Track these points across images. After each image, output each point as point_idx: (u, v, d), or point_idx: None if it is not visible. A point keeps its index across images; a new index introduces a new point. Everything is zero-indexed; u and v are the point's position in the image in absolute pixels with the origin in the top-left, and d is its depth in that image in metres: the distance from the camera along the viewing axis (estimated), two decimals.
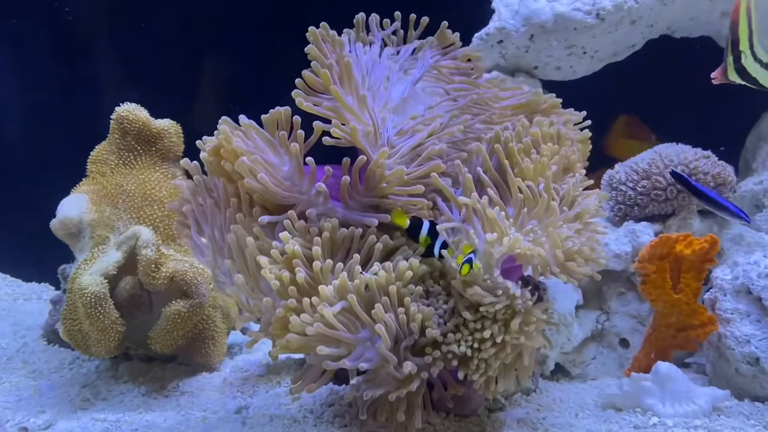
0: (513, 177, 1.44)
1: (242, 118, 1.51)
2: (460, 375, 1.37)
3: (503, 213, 1.39)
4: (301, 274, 1.30)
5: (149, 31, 2.85)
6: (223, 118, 1.53)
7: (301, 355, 1.99)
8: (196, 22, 2.86)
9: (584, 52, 2.18)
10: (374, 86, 1.55)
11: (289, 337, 1.28)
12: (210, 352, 1.91)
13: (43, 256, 2.82)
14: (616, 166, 2.05)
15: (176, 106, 2.83)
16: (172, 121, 2.18)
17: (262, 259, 1.33)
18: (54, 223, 2.04)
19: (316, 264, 1.31)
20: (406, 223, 1.40)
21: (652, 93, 2.47)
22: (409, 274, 1.32)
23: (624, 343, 1.98)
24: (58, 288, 2.76)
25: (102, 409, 1.76)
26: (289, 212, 1.42)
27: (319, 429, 1.54)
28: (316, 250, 1.33)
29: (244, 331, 2.18)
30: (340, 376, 1.58)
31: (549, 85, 2.25)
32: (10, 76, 2.88)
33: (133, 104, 2.14)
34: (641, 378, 1.64)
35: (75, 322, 1.83)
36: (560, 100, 1.69)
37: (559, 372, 1.98)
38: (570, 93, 1.79)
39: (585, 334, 1.94)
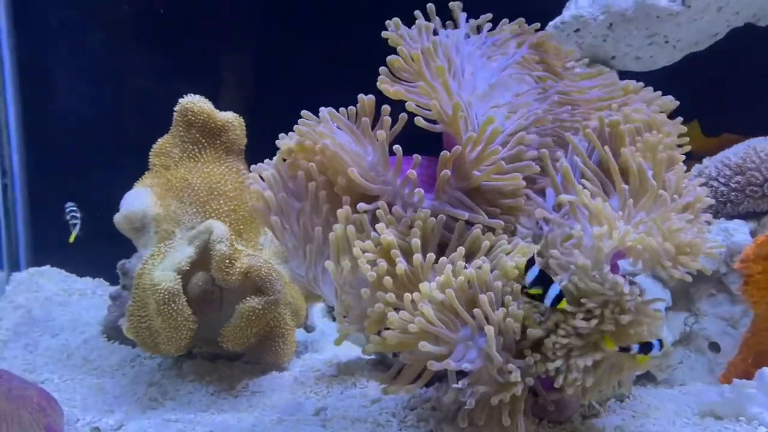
0: (616, 166, 1.35)
1: (323, 109, 1.45)
2: (557, 381, 1.28)
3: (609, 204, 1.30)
4: (402, 265, 1.22)
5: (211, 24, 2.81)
6: (304, 112, 1.46)
7: (373, 356, 1.91)
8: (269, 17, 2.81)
9: (666, 41, 2.07)
10: (459, 73, 1.47)
11: (387, 333, 1.20)
12: (280, 351, 1.84)
13: (97, 252, 2.80)
14: (704, 160, 1.94)
15: (235, 102, 2.80)
16: (235, 114, 2.12)
17: (357, 250, 1.26)
18: (118, 218, 1.99)
19: (417, 257, 1.23)
20: None
21: (732, 84, 2.35)
22: (515, 272, 1.24)
23: (714, 347, 1.86)
24: (114, 284, 2.72)
25: (172, 409, 1.70)
26: (379, 202, 1.35)
27: None
28: (415, 242, 1.25)
29: (307, 329, 2.11)
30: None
31: (626, 76, 2.14)
32: (67, 71, 2.86)
33: (197, 96, 2.08)
34: (745, 385, 1.53)
35: (143, 319, 1.77)
36: (658, 93, 1.60)
37: (644, 377, 1.87)
38: (648, 84, 1.69)
39: (674, 337, 1.83)
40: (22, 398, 1.49)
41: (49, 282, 2.68)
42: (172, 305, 1.63)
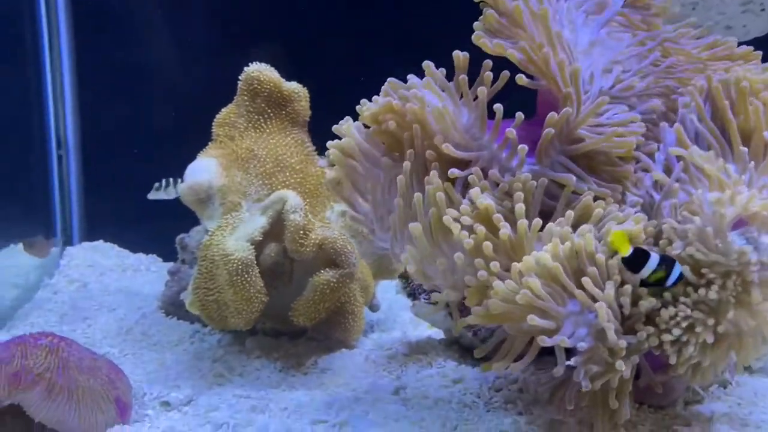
0: (735, 126, 1.24)
1: (411, 76, 1.36)
2: (672, 358, 1.18)
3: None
4: (506, 230, 1.13)
5: None
6: (390, 79, 1.37)
7: (441, 335, 1.83)
8: None
9: (762, 9, 1.94)
10: (560, 29, 1.36)
11: (492, 303, 1.11)
12: (350, 328, 1.76)
13: (149, 228, 2.75)
14: None
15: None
16: (299, 85, 2.05)
17: (448, 217, 1.16)
18: (183, 188, 1.93)
19: (522, 223, 1.14)
20: (627, 249, 1.14)
21: None
22: (641, 234, 1.13)
23: None
24: (168, 260, 2.67)
25: (241, 385, 1.63)
26: (473, 168, 1.26)
27: (494, 416, 1.37)
28: (519, 207, 1.16)
29: (373, 308, 2.03)
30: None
31: None
32: (123, 42, 2.81)
33: (263, 64, 2.00)
34: None
35: (210, 292, 1.70)
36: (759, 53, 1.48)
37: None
38: None
39: None
40: (92, 369, 1.43)
41: (102, 257, 2.65)
42: (245, 276, 1.55)
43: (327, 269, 1.61)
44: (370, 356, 1.74)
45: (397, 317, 2.03)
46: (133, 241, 2.77)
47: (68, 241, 2.73)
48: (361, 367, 1.69)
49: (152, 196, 2.14)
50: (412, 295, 1.65)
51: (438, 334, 1.84)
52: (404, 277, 1.69)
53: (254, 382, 1.66)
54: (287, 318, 1.72)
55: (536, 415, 1.36)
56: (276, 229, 1.65)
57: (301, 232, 1.60)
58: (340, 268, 1.60)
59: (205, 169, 1.92)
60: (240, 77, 2.00)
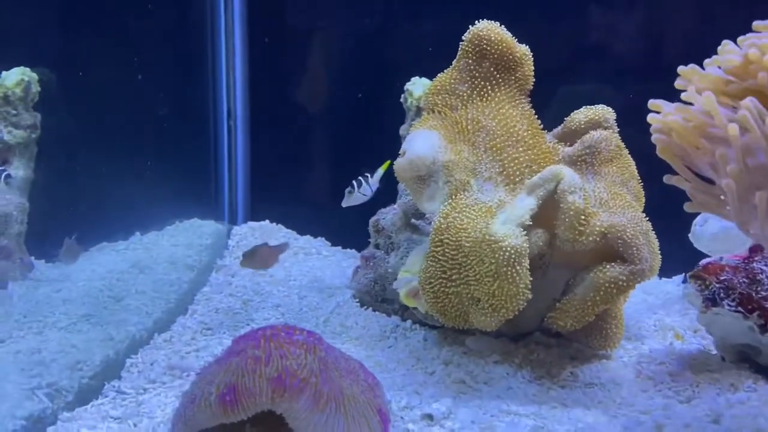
0: None
1: None
2: None
3: None
4: None
5: None
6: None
7: (716, 352, 1.52)
8: None
9: None
10: None
11: None
12: (611, 335, 1.48)
13: (314, 209, 2.55)
14: None
15: None
16: (527, 47, 1.77)
17: None
18: (401, 164, 1.67)
19: None
20: None
21: None
22: None
23: None
24: (336, 244, 2.46)
25: (496, 396, 1.38)
26: None
27: None
28: None
29: None
30: None
31: None
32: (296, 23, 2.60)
33: (491, 21, 1.73)
34: None
35: (450, 283, 1.45)
36: None
37: None
38: None
39: None
40: (350, 373, 1.20)
41: (270, 238, 2.44)
42: (517, 267, 1.29)
43: (612, 265, 1.32)
44: (641, 370, 1.45)
45: (640, 323, 1.73)
46: (297, 221, 2.56)
47: (233, 220, 2.55)
48: (636, 383, 1.41)
49: (347, 202, 1.86)
50: (711, 300, 1.35)
51: (696, 345, 1.54)
52: (698, 277, 1.38)
53: (508, 393, 1.40)
54: (516, 318, 1.45)
55: None
56: (541, 212, 1.37)
57: (582, 217, 1.32)
58: (630, 263, 1.31)
59: (426, 143, 1.66)
60: (463, 37, 1.74)
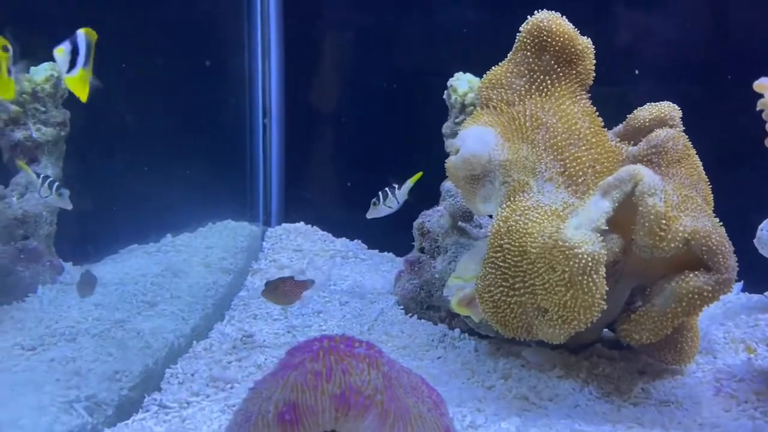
0: None
1: None
2: None
3: None
4: None
5: None
6: None
7: None
8: None
9: None
10: None
11: None
12: (686, 349, 1.37)
13: (350, 211, 2.45)
14: None
15: None
16: (589, 39, 1.66)
17: None
18: (455, 162, 1.58)
19: None
20: None
21: None
22: None
23: None
24: (373, 247, 2.36)
25: (566, 415, 1.27)
26: None
27: None
28: None
29: None
30: None
31: None
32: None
33: (552, 12, 1.63)
34: None
35: (513, 292, 1.34)
36: None
37: None
38: None
39: None
40: (414, 389, 1.09)
41: (306, 240, 2.35)
42: (593, 276, 1.18)
43: (695, 273, 1.21)
44: (720, 387, 1.34)
45: (709, 335, 1.61)
46: (332, 223, 2.46)
47: (267, 221, 2.46)
48: (716, 401, 1.30)
49: (371, 214, 1.76)
50: None
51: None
52: None
53: (576, 411, 1.29)
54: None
55: None
56: (616, 216, 1.26)
57: (663, 221, 1.21)
58: (716, 272, 1.20)
59: (481, 140, 1.56)
60: (521, 28, 1.64)
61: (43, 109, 1.95)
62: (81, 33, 1.27)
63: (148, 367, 1.39)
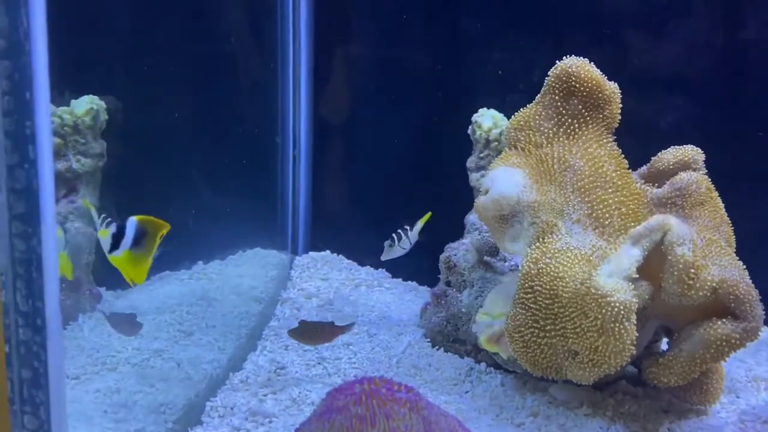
0: None
1: None
2: None
3: None
4: None
5: None
6: None
7: None
8: None
9: None
10: None
11: None
12: (711, 390, 1.41)
13: (370, 239, 2.51)
14: None
15: None
16: (616, 84, 1.72)
17: None
18: (484, 202, 1.63)
19: None
20: None
21: None
22: None
23: None
24: (397, 276, 2.42)
25: None
26: None
27: None
28: None
29: None
30: None
31: None
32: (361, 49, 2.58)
33: (580, 58, 1.69)
34: None
35: (544, 333, 1.39)
36: None
37: None
38: None
39: None
40: None
41: (332, 270, 2.41)
42: (625, 323, 1.23)
43: (723, 321, 1.26)
44: (746, 429, 1.38)
45: (730, 373, 1.65)
46: (357, 252, 2.52)
47: (294, 250, 2.52)
48: None
49: (386, 256, 1.87)
50: None
51: None
52: None
53: None
54: None
55: None
56: (645, 263, 1.31)
57: (691, 270, 1.26)
58: (743, 320, 1.24)
59: (511, 181, 1.62)
60: (549, 73, 1.70)
61: (83, 140, 2.02)
62: (132, 219, 1.29)
63: (190, 399, 1.44)
